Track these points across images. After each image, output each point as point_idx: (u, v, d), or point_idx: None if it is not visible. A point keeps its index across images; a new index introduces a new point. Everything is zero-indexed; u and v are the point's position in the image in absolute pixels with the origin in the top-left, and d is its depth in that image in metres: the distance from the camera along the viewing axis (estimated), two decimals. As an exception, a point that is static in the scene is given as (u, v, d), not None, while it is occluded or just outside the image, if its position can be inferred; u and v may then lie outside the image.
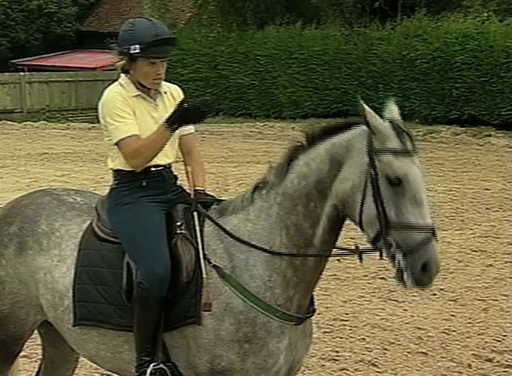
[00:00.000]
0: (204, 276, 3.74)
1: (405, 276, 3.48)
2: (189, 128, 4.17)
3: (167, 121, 3.86)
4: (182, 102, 3.87)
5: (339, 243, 3.81)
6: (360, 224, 3.59)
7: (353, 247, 3.77)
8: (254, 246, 3.75)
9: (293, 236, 3.72)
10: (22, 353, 4.48)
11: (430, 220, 3.48)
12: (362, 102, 3.54)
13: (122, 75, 4.10)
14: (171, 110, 4.06)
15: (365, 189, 3.52)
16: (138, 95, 4.04)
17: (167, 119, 3.87)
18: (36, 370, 4.74)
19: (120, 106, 3.96)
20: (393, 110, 3.66)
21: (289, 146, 3.82)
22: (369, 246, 3.62)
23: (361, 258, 3.70)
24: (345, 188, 3.58)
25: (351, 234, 9.57)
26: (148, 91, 4.07)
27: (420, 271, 3.45)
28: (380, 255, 3.58)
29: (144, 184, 4.03)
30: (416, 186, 3.47)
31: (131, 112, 3.98)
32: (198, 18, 26.61)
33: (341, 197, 3.60)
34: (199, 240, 3.82)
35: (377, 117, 3.54)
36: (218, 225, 3.86)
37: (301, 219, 3.70)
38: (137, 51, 3.93)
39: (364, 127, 3.58)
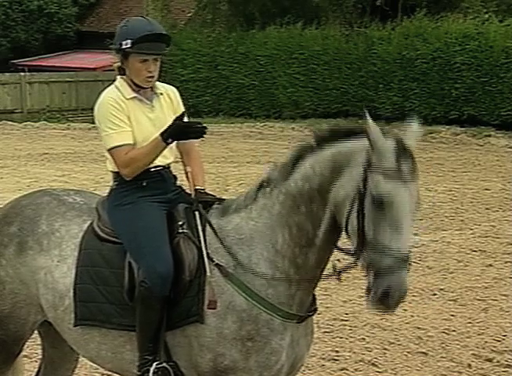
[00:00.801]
0: (208, 274, 3.75)
1: (370, 295, 3.50)
2: None
3: (163, 134, 3.87)
4: (180, 116, 3.88)
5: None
6: (346, 233, 3.63)
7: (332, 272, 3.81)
8: (253, 271, 3.77)
9: (295, 235, 3.74)
10: (22, 353, 4.48)
11: (406, 247, 3.45)
12: (367, 114, 3.51)
13: (118, 77, 4.12)
14: (167, 112, 4.09)
15: (354, 201, 3.53)
16: (135, 97, 4.05)
17: (163, 132, 3.88)
18: (36, 370, 4.75)
19: (114, 113, 3.97)
20: (412, 128, 3.62)
21: (297, 145, 3.81)
22: (347, 263, 3.67)
23: (339, 278, 3.76)
24: (339, 196, 3.60)
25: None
26: (144, 92, 4.08)
27: (380, 295, 3.45)
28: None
29: (144, 184, 4.04)
30: (399, 212, 3.44)
31: (126, 118, 3.98)
32: (202, 18, 26.55)
33: (334, 203, 3.62)
34: (201, 239, 3.83)
35: (379, 133, 3.49)
36: (213, 229, 3.87)
37: (303, 219, 3.72)
38: (128, 46, 3.96)
39: None
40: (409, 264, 3.47)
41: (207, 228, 3.89)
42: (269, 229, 3.79)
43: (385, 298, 3.44)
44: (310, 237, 3.73)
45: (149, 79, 4.03)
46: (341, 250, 3.80)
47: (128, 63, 4.02)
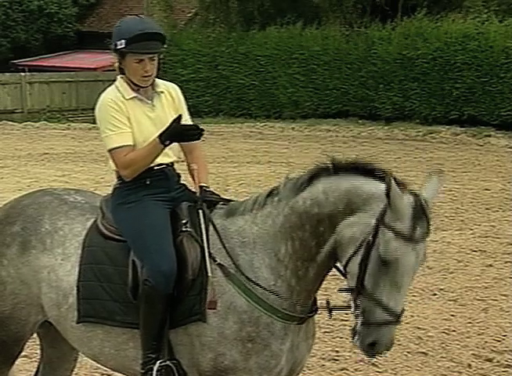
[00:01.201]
0: (210, 274, 3.76)
1: (355, 338, 3.59)
2: None
3: (160, 137, 3.89)
4: (178, 118, 3.89)
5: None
6: (344, 272, 3.69)
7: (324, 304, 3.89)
8: (249, 279, 3.79)
9: (297, 249, 3.76)
10: (22, 353, 4.48)
11: (400, 307, 3.53)
12: (391, 177, 3.44)
13: (118, 77, 4.13)
14: (168, 111, 4.09)
15: (359, 248, 3.56)
16: (135, 97, 4.06)
17: (161, 134, 3.90)
18: (35, 370, 4.75)
19: (113, 115, 3.98)
20: (432, 186, 3.61)
21: (314, 165, 3.79)
22: (340, 302, 3.80)
23: (330, 315, 3.85)
24: (345, 234, 3.62)
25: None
26: (145, 91, 4.09)
27: (367, 345, 3.57)
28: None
29: (148, 183, 4.05)
30: (402, 273, 3.48)
31: (126, 119, 4.00)
32: (204, 18, 26.51)
33: (339, 238, 3.65)
34: (204, 238, 3.85)
35: (401, 195, 3.45)
36: (215, 229, 3.88)
37: (307, 236, 3.74)
38: (122, 46, 3.97)
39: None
40: (400, 321, 3.56)
41: (210, 227, 3.90)
42: (272, 238, 3.80)
43: (370, 349, 3.57)
44: (312, 253, 3.75)
45: (146, 78, 4.03)
46: (340, 271, 3.82)
47: (125, 62, 4.03)
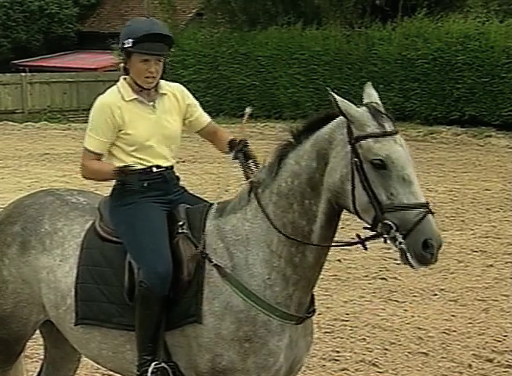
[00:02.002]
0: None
1: (408, 256, 3.45)
2: (206, 118, 4.40)
3: (118, 169, 4.00)
4: (125, 165, 4.00)
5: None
6: (356, 213, 3.58)
7: (355, 239, 3.71)
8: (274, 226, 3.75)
9: (290, 234, 3.72)
10: (23, 353, 4.49)
11: (421, 197, 3.47)
12: (332, 93, 3.54)
13: (121, 78, 4.14)
14: (170, 112, 4.11)
15: (353, 177, 3.52)
16: (135, 98, 4.06)
17: (120, 168, 4.00)
18: (38, 370, 4.76)
19: (103, 121, 4.00)
20: (371, 94, 3.67)
21: (277, 144, 3.84)
22: (370, 233, 3.59)
23: (365, 247, 3.68)
24: (334, 180, 3.59)
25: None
26: (148, 94, 4.09)
27: (421, 249, 3.42)
28: (385, 241, 3.53)
29: (145, 185, 4.06)
30: (401, 165, 3.46)
31: (113, 127, 4.00)
32: (209, 19, 26.49)
33: (333, 189, 3.61)
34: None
35: (351, 105, 3.55)
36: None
37: (297, 217, 3.71)
38: (130, 45, 3.98)
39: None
40: (432, 211, 3.47)
41: (206, 227, 3.89)
42: (264, 230, 3.78)
43: (426, 250, 3.42)
44: (306, 235, 3.71)
45: (150, 80, 4.03)
46: (344, 243, 3.78)
47: (130, 62, 4.04)
